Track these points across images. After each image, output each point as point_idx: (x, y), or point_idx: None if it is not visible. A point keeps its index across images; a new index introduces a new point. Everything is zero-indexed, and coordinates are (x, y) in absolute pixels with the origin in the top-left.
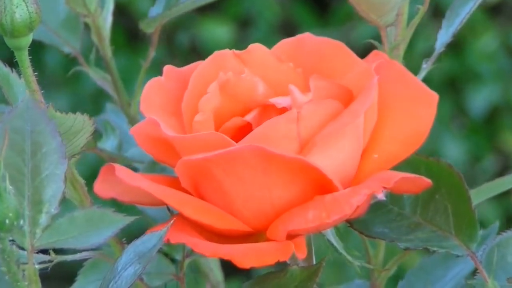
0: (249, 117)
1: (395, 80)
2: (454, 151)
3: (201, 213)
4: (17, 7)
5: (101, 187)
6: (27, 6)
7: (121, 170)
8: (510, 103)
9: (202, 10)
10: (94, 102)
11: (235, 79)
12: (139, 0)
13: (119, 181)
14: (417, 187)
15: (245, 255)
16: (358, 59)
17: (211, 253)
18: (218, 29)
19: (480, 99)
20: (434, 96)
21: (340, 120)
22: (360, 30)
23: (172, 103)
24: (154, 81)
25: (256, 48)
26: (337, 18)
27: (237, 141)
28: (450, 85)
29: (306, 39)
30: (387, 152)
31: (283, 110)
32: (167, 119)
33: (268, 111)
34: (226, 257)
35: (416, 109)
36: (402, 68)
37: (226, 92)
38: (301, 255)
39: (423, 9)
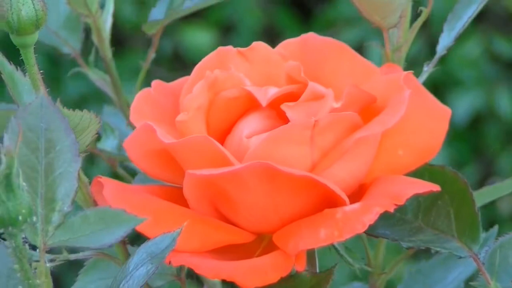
0: (249, 87)
1: (410, 93)
2: (437, 157)
3: (183, 240)
4: (23, 4)
5: (99, 198)
6: (33, 4)
7: (108, 189)
8: (493, 109)
9: (185, 17)
10: (77, 108)
11: (223, 76)
12: (123, 6)
13: None
14: (423, 193)
15: (248, 276)
16: (362, 59)
17: (213, 275)
18: (200, 36)
19: (463, 106)
20: (447, 111)
21: (369, 129)
22: (344, 36)
23: (163, 115)
24: (144, 92)
25: (259, 46)
26: (320, 23)
27: (234, 116)
28: (433, 91)
29: (310, 39)
30: (398, 162)
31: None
32: (159, 127)
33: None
34: (228, 279)
35: (430, 123)
36: (417, 82)
37: (215, 90)
38: (300, 267)
39: (426, 11)
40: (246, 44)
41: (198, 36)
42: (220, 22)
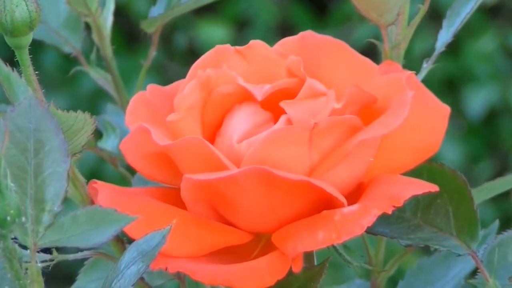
0: (246, 84)
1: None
2: (452, 153)
3: (179, 244)
4: (17, 6)
5: (97, 200)
6: (27, 5)
7: (103, 194)
8: (508, 104)
9: (200, 12)
10: (91, 103)
11: (215, 75)
12: (137, 1)
13: None
14: (421, 193)
15: (244, 280)
16: (361, 57)
17: (209, 281)
18: (215, 31)
19: (478, 101)
20: (446, 109)
21: (371, 132)
22: (359, 31)
23: (158, 117)
24: (139, 96)
25: (257, 44)
26: (336, 19)
27: (228, 107)
28: (448, 86)
29: (308, 37)
30: (397, 161)
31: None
32: (155, 129)
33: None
34: (225, 284)
35: (430, 122)
36: (417, 81)
37: (208, 89)
38: (297, 268)
39: (423, 8)
40: (262, 39)
41: (213, 31)
42: (235, 17)
